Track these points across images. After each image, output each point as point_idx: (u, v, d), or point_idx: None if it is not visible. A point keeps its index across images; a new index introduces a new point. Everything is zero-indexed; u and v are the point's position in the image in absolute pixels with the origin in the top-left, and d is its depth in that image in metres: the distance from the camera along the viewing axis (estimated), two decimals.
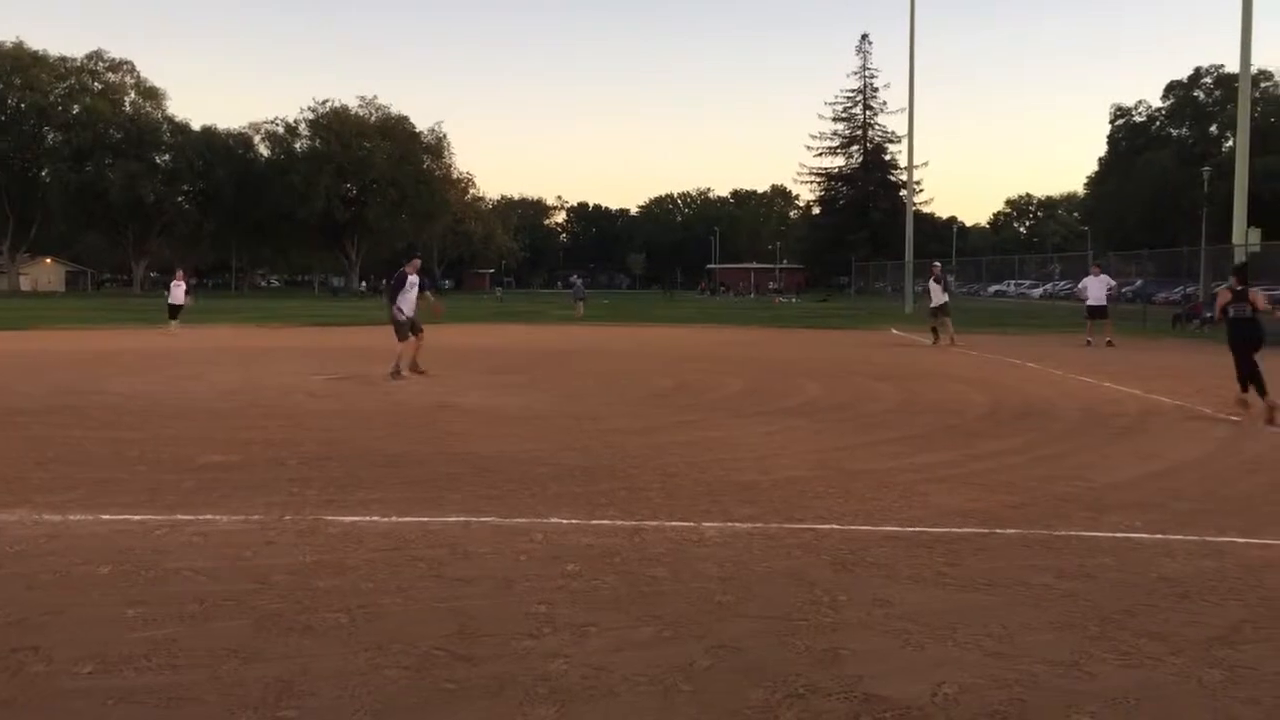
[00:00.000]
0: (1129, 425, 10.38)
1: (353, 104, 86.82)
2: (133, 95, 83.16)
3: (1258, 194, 35.30)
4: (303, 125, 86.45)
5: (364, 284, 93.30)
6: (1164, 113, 73.43)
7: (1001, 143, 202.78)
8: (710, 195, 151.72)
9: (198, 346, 22.04)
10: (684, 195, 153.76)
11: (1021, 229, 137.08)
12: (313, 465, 7.89)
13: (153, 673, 3.74)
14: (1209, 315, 11.91)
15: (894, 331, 29.76)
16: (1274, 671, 3.81)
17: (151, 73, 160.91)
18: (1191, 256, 42.70)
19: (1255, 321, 10.88)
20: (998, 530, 5.94)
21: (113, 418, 10.63)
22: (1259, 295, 11.04)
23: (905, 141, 58.38)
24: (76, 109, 79.34)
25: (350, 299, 71.65)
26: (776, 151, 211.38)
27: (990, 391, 13.35)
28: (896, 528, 6.01)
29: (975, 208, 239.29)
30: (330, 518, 6.15)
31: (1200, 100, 70.82)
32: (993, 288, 70.72)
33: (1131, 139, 74.23)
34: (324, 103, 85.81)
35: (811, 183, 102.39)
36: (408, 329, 14.81)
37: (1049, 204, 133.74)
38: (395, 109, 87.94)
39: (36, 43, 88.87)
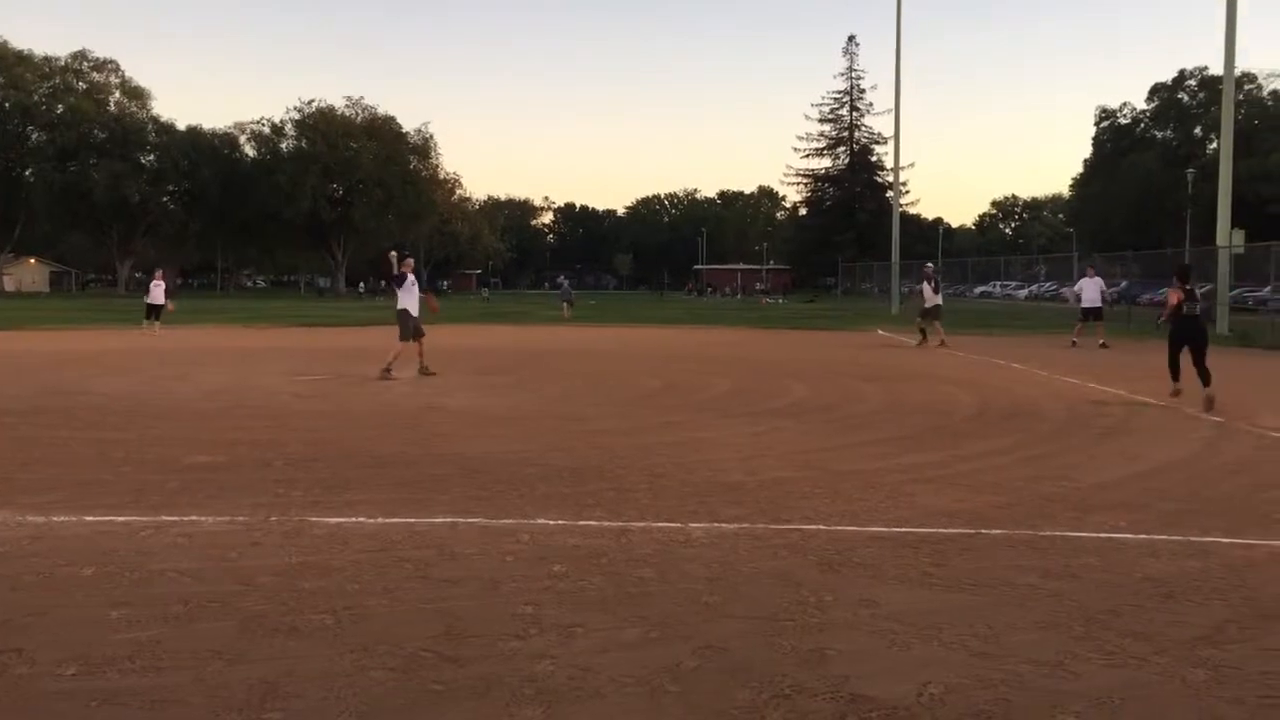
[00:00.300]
0: (1114, 426, 10.44)
1: (339, 104, 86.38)
2: (117, 95, 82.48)
3: (1241, 196, 35.57)
4: (289, 125, 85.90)
5: (362, 285, 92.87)
6: (1148, 115, 73.88)
7: (987, 144, 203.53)
8: (697, 196, 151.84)
9: (183, 347, 21.93)
10: (671, 196, 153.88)
11: (1007, 230, 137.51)
12: (299, 466, 7.86)
13: (137, 674, 3.72)
14: (1159, 318, 12.68)
15: (880, 332, 29.82)
16: (1258, 671, 3.83)
17: (136, 72, 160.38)
18: (1176, 258, 42.94)
19: (1201, 318, 12.16)
20: (984, 530, 5.97)
21: (97, 418, 10.57)
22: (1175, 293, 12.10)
23: (891, 143, 58.58)
24: (61, 108, 78.61)
25: (337, 299, 71.28)
26: (763, 153, 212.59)
27: (976, 392, 13.40)
28: (883, 528, 6.02)
29: (961, 209, 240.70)
30: (316, 519, 6.13)
31: (1184, 102, 71.25)
32: (979, 289, 70.86)
33: (1116, 141, 74.67)
34: (310, 103, 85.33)
35: (798, 184, 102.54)
36: (410, 330, 15.05)
37: (1034, 205, 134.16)
38: (382, 109, 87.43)
39: (21, 42, 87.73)
